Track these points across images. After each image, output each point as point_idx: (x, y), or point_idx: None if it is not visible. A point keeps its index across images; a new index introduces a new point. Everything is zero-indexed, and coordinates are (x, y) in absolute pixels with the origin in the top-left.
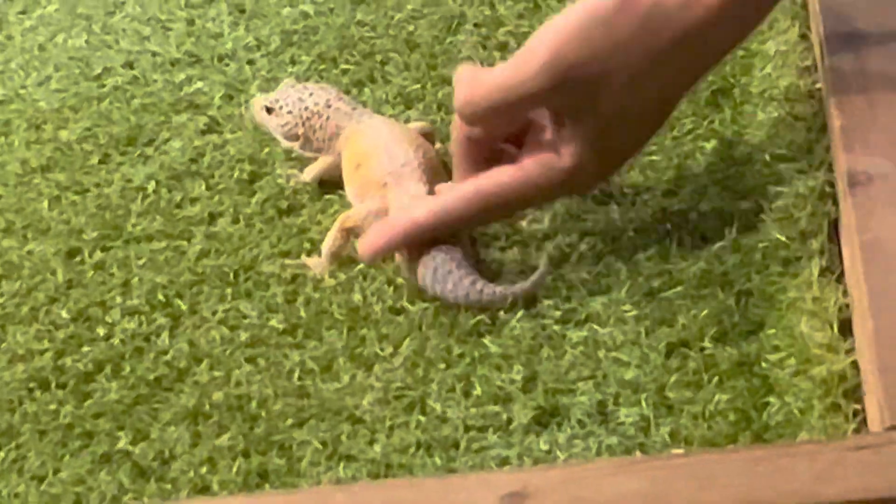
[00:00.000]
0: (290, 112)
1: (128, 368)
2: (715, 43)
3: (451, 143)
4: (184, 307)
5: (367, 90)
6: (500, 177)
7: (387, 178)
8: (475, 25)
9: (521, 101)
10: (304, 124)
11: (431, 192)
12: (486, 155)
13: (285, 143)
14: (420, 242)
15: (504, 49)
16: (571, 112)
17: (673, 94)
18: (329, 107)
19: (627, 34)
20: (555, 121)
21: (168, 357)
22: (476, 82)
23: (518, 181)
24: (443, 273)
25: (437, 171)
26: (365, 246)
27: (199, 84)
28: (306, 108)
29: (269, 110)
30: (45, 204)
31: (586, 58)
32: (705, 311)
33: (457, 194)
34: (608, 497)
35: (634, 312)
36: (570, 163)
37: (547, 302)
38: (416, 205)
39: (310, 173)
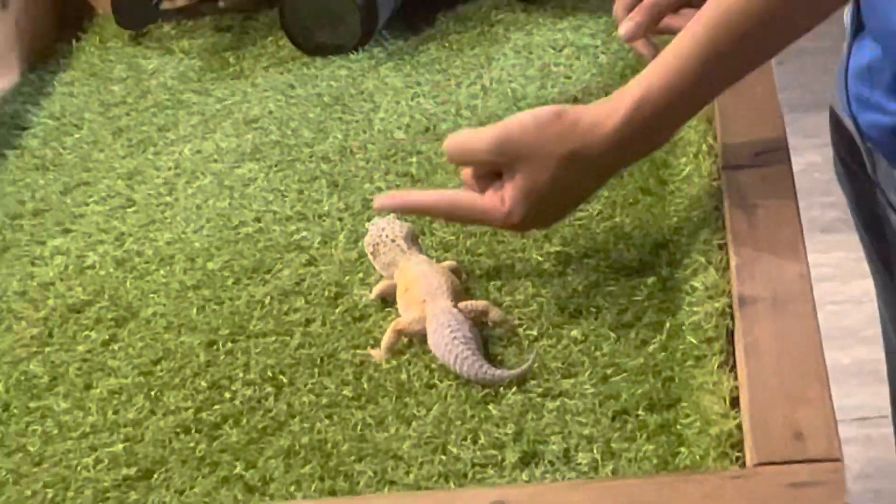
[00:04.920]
0: (370, 233)
1: (244, 421)
2: (611, 160)
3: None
4: (285, 381)
5: (420, 240)
6: (461, 196)
7: (425, 296)
8: None
9: (475, 158)
10: (373, 245)
11: (455, 307)
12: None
13: (369, 254)
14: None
15: None
16: (510, 172)
17: (585, 187)
18: (393, 241)
19: (550, 134)
20: (504, 176)
21: (272, 414)
22: (453, 139)
23: (469, 205)
24: (461, 358)
25: (459, 294)
26: (380, 201)
27: (305, 233)
28: (380, 235)
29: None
30: (194, 311)
31: (520, 139)
32: (640, 391)
33: (432, 196)
34: None
35: (592, 390)
36: (507, 207)
37: (532, 382)
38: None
39: (374, 293)
